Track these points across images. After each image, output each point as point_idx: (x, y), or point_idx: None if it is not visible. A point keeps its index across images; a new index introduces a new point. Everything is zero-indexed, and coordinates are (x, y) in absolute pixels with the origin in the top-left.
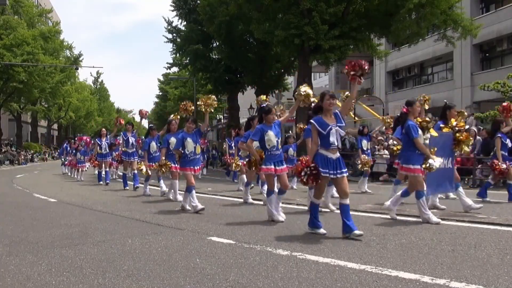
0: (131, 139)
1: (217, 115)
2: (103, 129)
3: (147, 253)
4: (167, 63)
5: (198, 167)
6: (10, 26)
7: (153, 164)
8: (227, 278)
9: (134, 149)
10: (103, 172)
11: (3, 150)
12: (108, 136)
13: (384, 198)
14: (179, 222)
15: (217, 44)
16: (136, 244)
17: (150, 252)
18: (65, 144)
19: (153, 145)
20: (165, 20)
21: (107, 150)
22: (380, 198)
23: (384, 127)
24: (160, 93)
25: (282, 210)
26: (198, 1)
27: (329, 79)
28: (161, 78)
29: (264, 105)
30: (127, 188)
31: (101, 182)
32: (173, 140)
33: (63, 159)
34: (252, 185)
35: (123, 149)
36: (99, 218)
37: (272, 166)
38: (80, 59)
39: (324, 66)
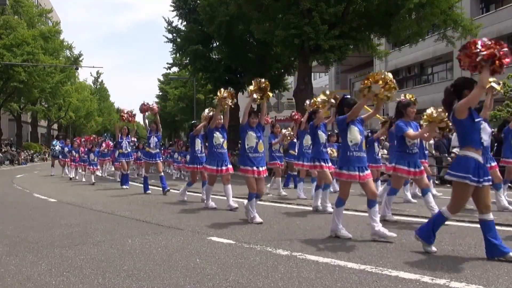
0: (154, 139)
1: None
2: (125, 127)
3: (147, 253)
4: (167, 63)
5: (262, 168)
6: (10, 26)
7: (197, 166)
8: (227, 278)
9: (158, 150)
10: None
11: (3, 150)
12: (129, 136)
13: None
14: (179, 222)
15: (217, 44)
16: (136, 244)
17: (150, 252)
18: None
19: (198, 142)
20: (165, 20)
21: (129, 150)
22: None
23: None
24: (160, 93)
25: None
26: (198, 1)
27: (329, 79)
28: (161, 78)
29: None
30: (149, 192)
31: (125, 186)
32: (218, 134)
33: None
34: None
35: (146, 149)
36: (99, 218)
37: (356, 172)
38: (80, 59)
39: (324, 66)
